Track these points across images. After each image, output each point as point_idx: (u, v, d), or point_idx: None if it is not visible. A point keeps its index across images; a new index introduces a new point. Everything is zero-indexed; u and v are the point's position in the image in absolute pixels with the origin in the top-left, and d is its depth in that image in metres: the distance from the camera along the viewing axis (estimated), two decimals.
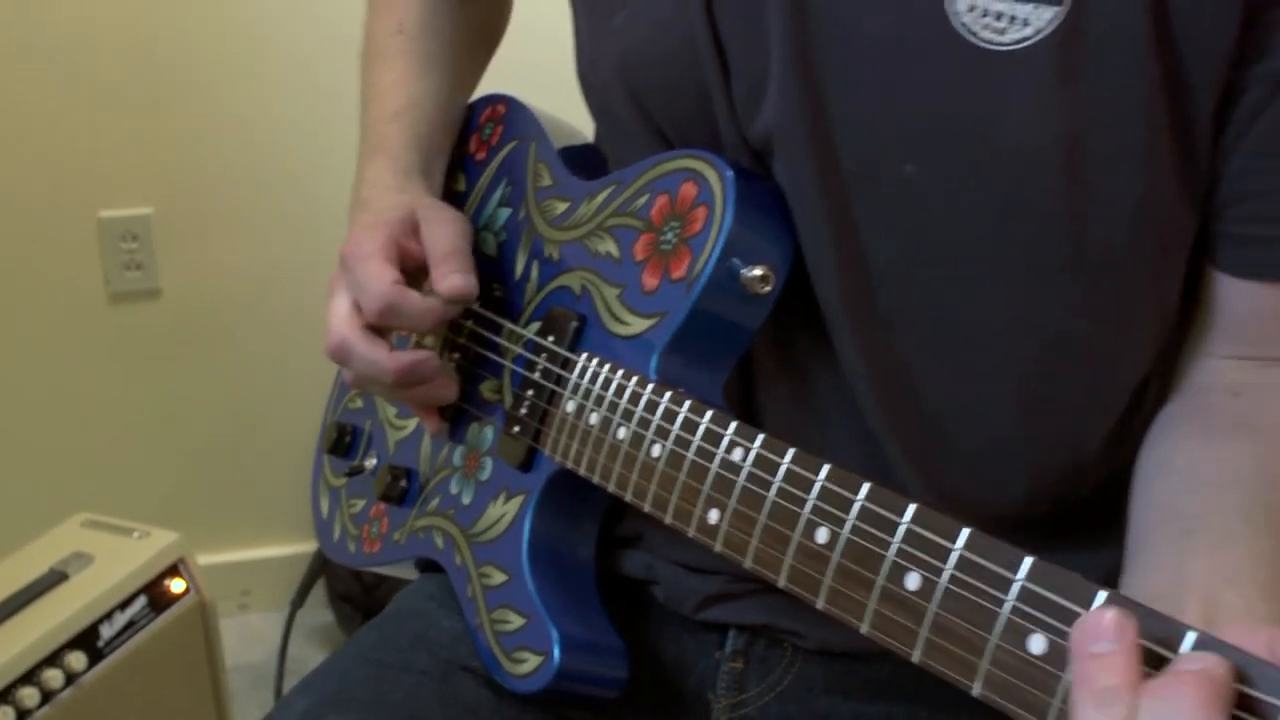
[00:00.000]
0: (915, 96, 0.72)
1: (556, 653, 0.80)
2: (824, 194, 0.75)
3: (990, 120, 0.70)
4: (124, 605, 1.62)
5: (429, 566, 0.96)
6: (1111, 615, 0.48)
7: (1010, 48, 0.68)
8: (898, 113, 0.72)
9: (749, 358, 0.82)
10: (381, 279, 0.86)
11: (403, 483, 0.96)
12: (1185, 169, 0.71)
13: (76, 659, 1.54)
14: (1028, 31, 0.68)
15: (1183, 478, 0.72)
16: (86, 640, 1.56)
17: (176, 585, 1.70)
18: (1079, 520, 0.82)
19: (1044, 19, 0.67)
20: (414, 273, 0.89)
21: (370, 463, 1.00)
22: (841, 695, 0.86)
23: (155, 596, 1.67)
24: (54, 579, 1.60)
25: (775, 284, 0.76)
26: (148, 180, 2.11)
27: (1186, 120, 0.70)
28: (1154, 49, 0.67)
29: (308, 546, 2.17)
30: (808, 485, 0.63)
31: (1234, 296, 0.75)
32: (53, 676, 1.51)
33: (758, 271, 0.76)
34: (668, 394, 0.74)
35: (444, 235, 0.89)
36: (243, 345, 2.19)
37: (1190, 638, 0.47)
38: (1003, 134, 0.70)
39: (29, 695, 1.48)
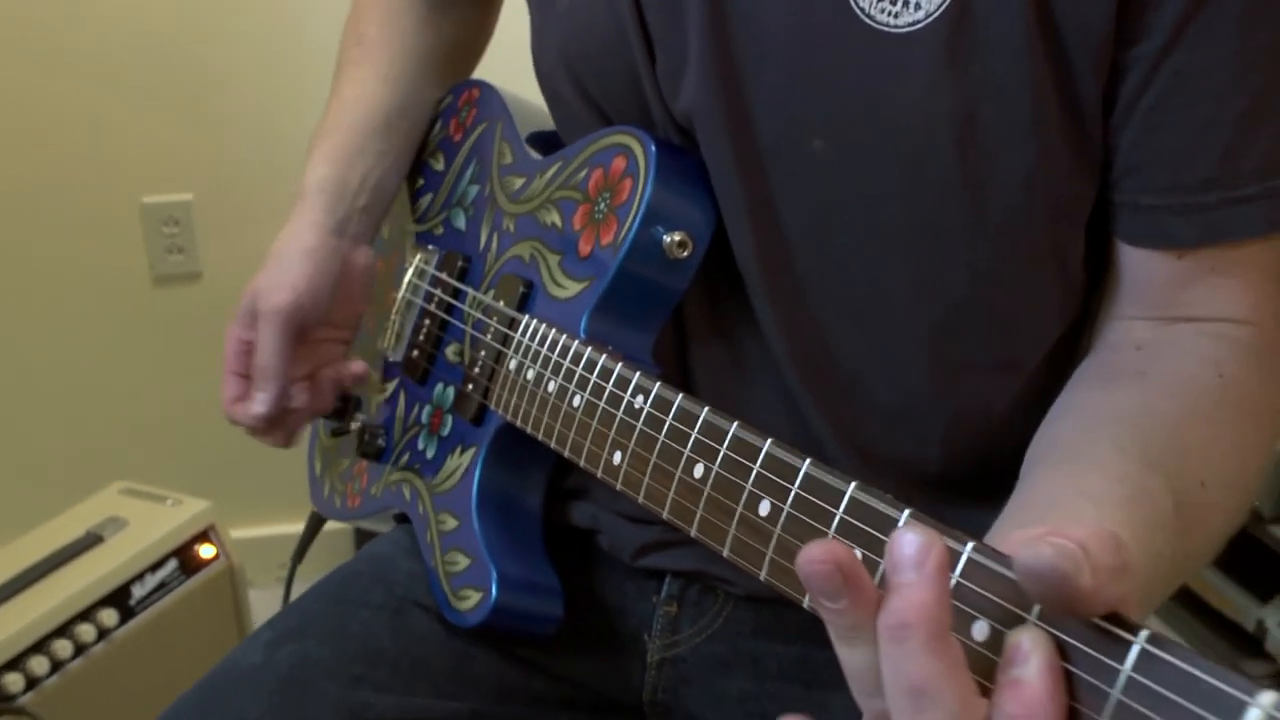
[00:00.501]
0: (820, 76, 0.76)
1: (494, 589, 0.86)
2: (740, 167, 0.80)
3: (888, 98, 0.74)
4: (155, 567, 1.70)
5: (403, 519, 1.03)
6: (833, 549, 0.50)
7: (904, 30, 0.72)
8: (805, 92, 0.77)
9: (681, 320, 0.87)
10: (225, 399, 1.00)
11: (379, 441, 1.03)
12: (1076, 142, 0.75)
13: (109, 615, 1.62)
14: (919, 15, 0.72)
15: (1072, 418, 0.75)
16: (119, 599, 1.65)
17: (206, 551, 1.78)
18: (1003, 482, 0.86)
19: (934, 3, 0.71)
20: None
21: (355, 425, 1.07)
22: (766, 638, 0.91)
23: (185, 560, 1.75)
24: (90, 541, 1.69)
25: (694, 250, 0.82)
26: (189, 168, 2.16)
27: (1074, 97, 0.73)
28: (1037, 29, 0.71)
29: (344, 524, 2.23)
30: (692, 423, 0.69)
31: (1134, 263, 0.79)
32: (86, 631, 1.59)
33: (677, 237, 0.81)
34: (589, 349, 0.80)
35: (261, 341, 0.98)
36: None
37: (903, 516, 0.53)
38: (900, 111, 0.74)
39: (63, 647, 1.56)
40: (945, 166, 0.75)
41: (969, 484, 0.86)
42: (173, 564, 1.73)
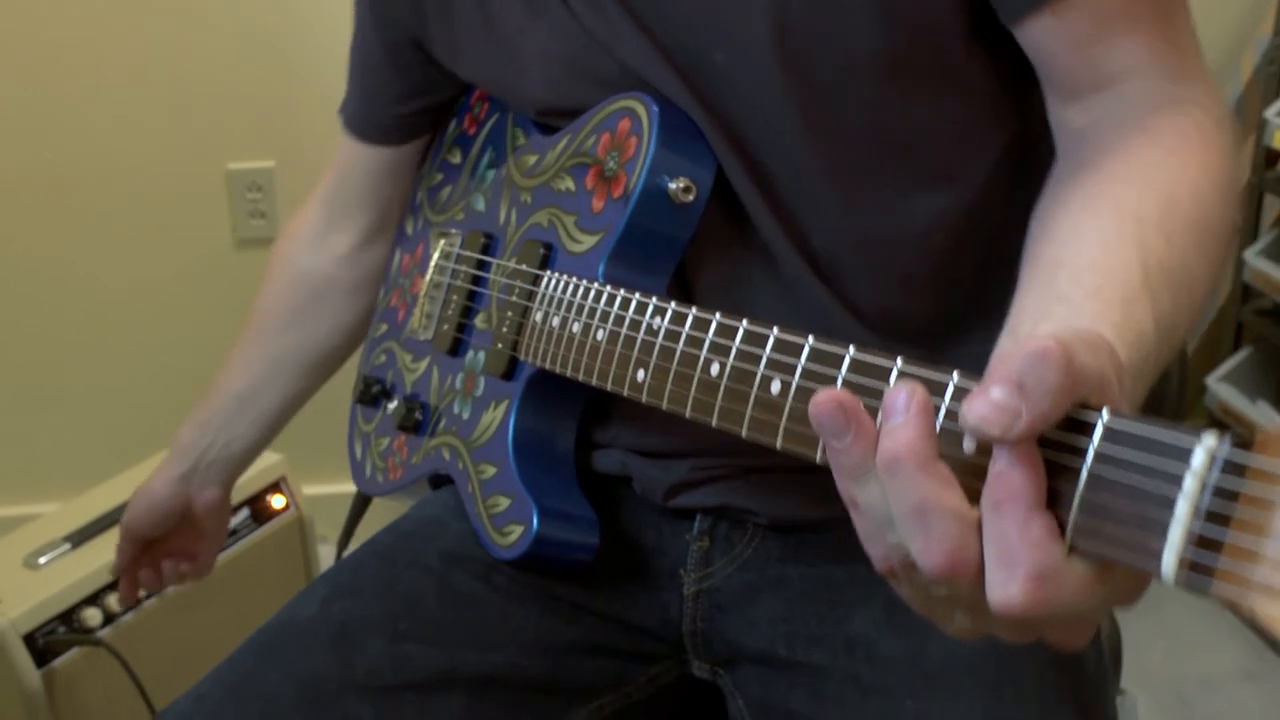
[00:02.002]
0: None
1: (535, 520, 0.92)
2: (697, 101, 0.88)
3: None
4: None
5: (440, 483, 1.10)
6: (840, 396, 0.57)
7: None
8: (686, 9, 0.86)
9: (682, 263, 0.93)
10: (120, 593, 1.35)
11: (417, 414, 1.10)
12: None
13: None
14: None
15: (1036, 231, 0.78)
16: None
17: (277, 501, 1.86)
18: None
19: None
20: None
21: (392, 405, 1.14)
22: (792, 562, 0.96)
23: (258, 510, 1.83)
24: None
25: (698, 195, 0.89)
26: (271, 136, 2.23)
27: None
28: None
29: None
30: (706, 328, 0.76)
31: (1031, 43, 0.82)
32: None
33: (682, 184, 0.88)
34: (607, 288, 0.87)
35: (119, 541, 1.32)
36: None
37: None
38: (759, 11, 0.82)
39: None
40: (800, 30, 0.82)
41: (972, 317, 0.91)
42: (245, 512, 1.82)
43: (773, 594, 0.96)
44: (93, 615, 1.60)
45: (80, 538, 1.68)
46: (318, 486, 2.13)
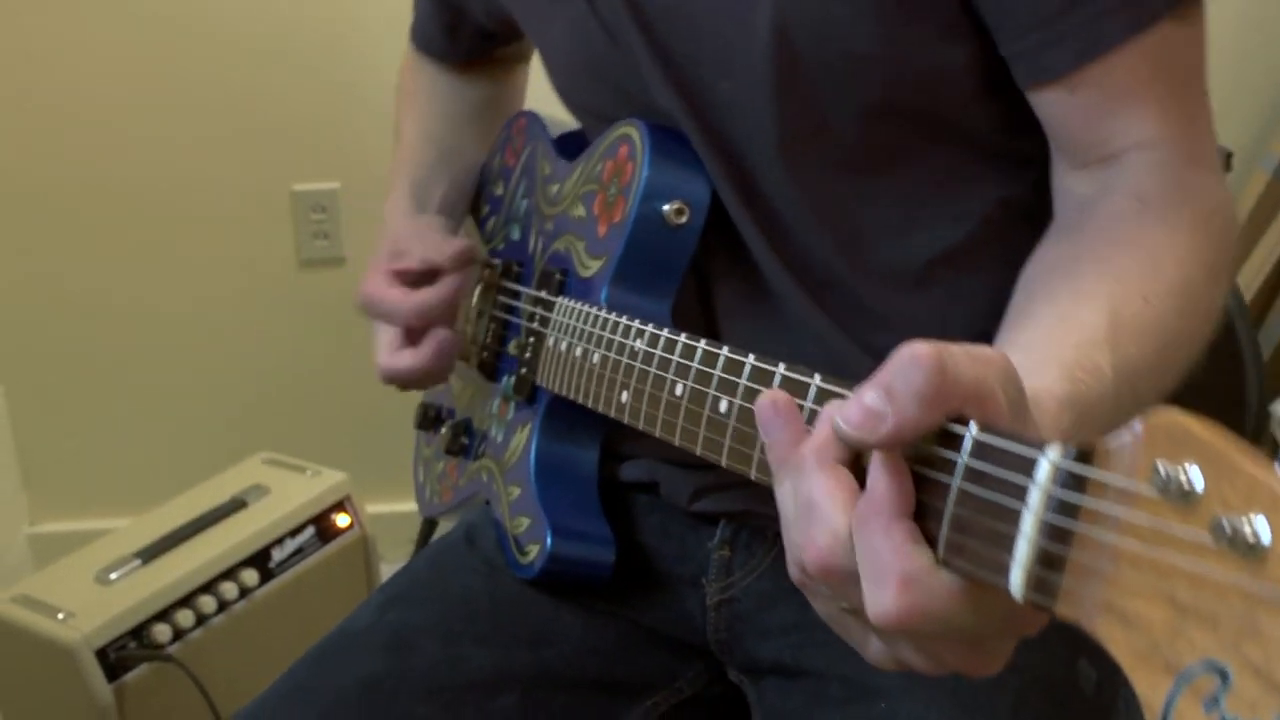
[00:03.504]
0: (702, 22, 0.86)
1: (549, 540, 0.96)
2: (698, 127, 0.89)
3: (728, 24, 0.84)
4: (294, 533, 1.80)
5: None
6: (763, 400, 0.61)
7: None
8: (699, 38, 0.87)
9: (710, 299, 0.96)
10: (401, 298, 1.06)
11: (463, 438, 1.14)
12: (924, 18, 0.81)
13: (250, 576, 1.72)
14: None
15: (1020, 286, 0.80)
16: (259, 560, 1.75)
17: (342, 520, 1.88)
18: None
19: None
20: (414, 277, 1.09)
21: (443, 431, 1.17)
22: None
23: (323, 528, 1.85)
24: (234, 506, 1.80)
25: (692, 217, 0.91)
26: (335, 158, 2.26)
27: None
28: None
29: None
30: (672, 349, 0.80)
31: (1043, 109, 0.83)
32: (229, 589, 1.70)
33: (675, 206, 0.91)
34: (609, 315, 0.89)
35: (431, 243, 1.08)
36: None
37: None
38: (759, 36, 0.83)
39: (207, 603, 1.67)
40: (815, 71, 0.83)
41: None
42: (310, 530, 1.83)
43: (787, 603, 0.97)
44: (163, 631, 1.62)
45: (150, 554, 1.70)
46: (381, 505, 2.15)
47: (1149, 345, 0.71)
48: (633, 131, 0.94)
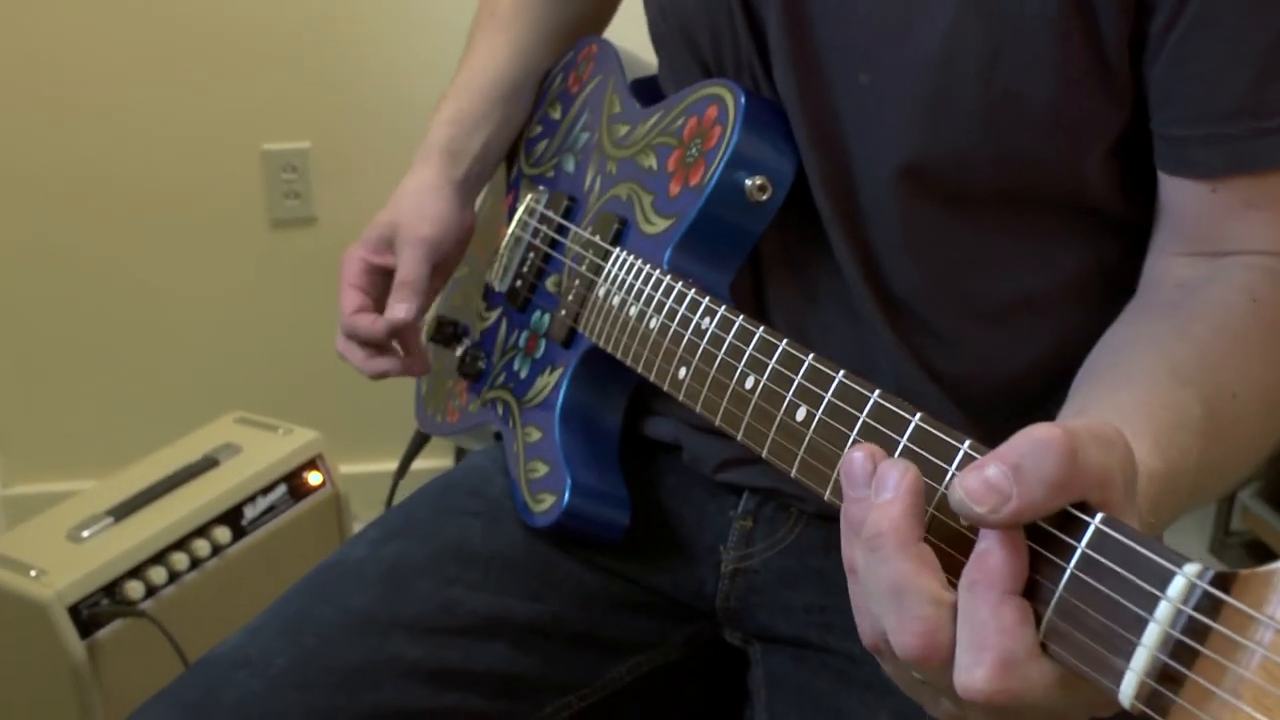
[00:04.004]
0: (866, 12, 0.82)
1: (567, 493, 0.94)
2: (805, 101, 0.86)
3: (919, 33, 0.80)
4: (266, 491, 1.81)
5: (500, 437, 1.11)
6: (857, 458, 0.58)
7: None
8: (853, 27, 0.83)
9: (757, 260, 0.93)
10: (346, 307, 1.06)
11: (480, 363, 1.11)
12: (1100, 78, 0.79)
13: (222, 533, 1.73)
14: None
15: (1109, 348, 0.79)
16: (232, 518, 1.75)
17: (314, 478, 1.88)
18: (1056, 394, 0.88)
19: None
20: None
21: (460, 349, 1.15)
22: (835, 554, 0.97)
23: (294, 486, 1.85)
24: (207, 464, 1.80)
25: (774, 194, 0.88)
26: (306, 117, 2.25)
27: (1098, 35, 0.77)
28: None
29: (447, 461, 2.31)
30: (748, 339, 0.76)
31: (1175, 195, 0.81)
32: (201, 546, 1.70)
33: (758, 181, 0.88)
34: (668, 278, 0.87)
35: (404, 261, 1.06)
36: None
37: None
38: (928, 46, 0.80)
39: (180, 560, 1.68)
40: (969, 98, 0.80)
41: (1031, 401, 0.90)
42: (282, 489, 1.83)
43: (812, 583, 0.97)
44: (135, 588, 1.63)
45: (122, 511, 1.70)
46: (353, 466, 2.16)
47: (1229, 443, 0.71)
48: (725, 94, 0.91)
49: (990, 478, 0.52)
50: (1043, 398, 0.89)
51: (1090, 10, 0.77)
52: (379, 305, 1.08)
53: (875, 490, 0.56)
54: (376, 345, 1.07)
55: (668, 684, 1.03)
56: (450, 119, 1.13)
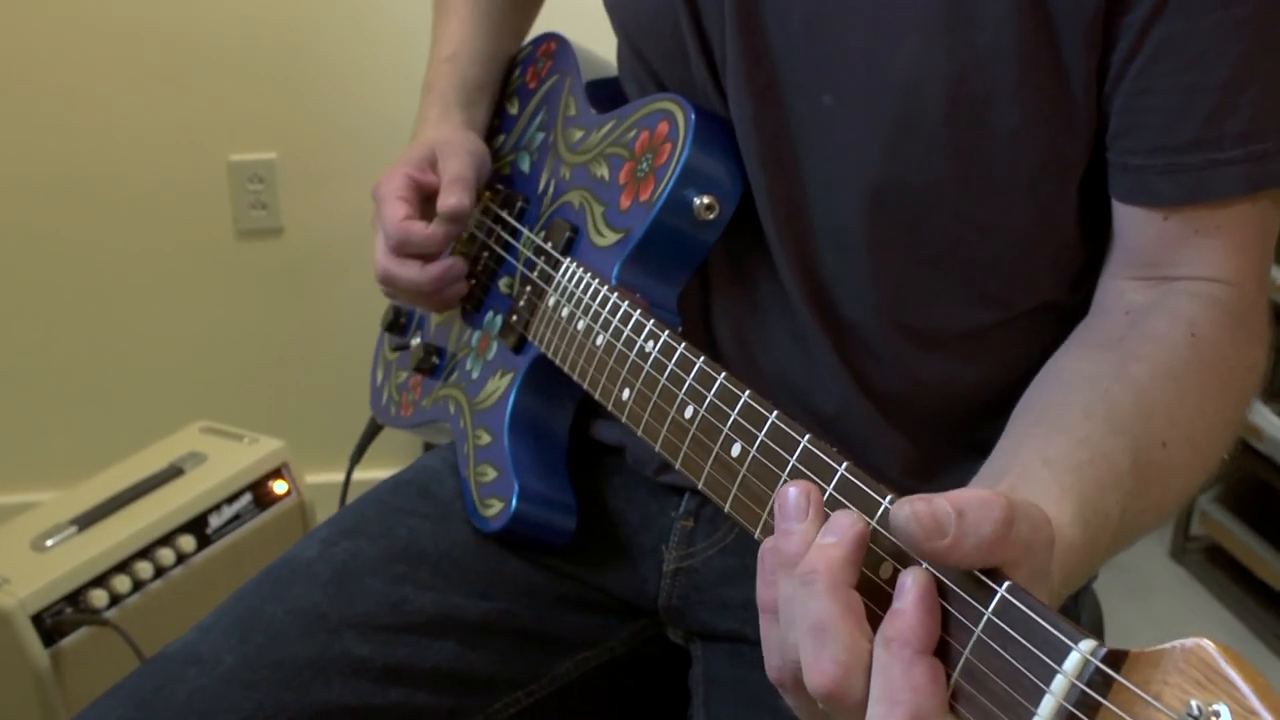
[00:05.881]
0: (832, 34, 0.83)
1: (514, 500, 0.96)
2: (759, 120, 0.87)
3: (886, 58, 0.81)
4: (231, 500, 1.81)
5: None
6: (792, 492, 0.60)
7: None
8: (817, 48, 0.84)
9: (705, 271, 0.94)
10: (394, 217, 1.03)
11: (434, 359, 1.12)
12: (1063, 107, 0.80)
13: (187, 542, 1.73)
14: None
15: (1052, 381, 0.80)
16: (196, 527, 1.76)
17: (279, 486, 1.88)
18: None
19: None
20: (434, 199, 1.05)
21: (414, 341, 1.16)
22: None
23: (260, 495, 1.85)
24: (171, 473, 1.80)
25: (721, 213, 0.90)
26: (273, 129, 2.26)
27: (1061, 65, 0.79)
28: (1028, 6, 0.77)
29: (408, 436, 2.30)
30: (688, 369, 0.77)
31: (1126, 222, 0.83)
32: (165, 554, 1.71)
33: (706, 200, 0.89)
34: (616, 295, 0.88)
35: (452, 165, 1.05)
36: (355, 281, 2.28)
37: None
38: (895, 72, 0.81)
39: (144, 568, 1.68)
40: (935, 124, 0.81)
41: (972, 430, 0.92)
42: (247, 497, 1.84)
43: (751, 581, 0.98)
44: (99, 596, 1.63)
45: (86, 520, 1.70)
46: (318, 475, 2.15)
47: (1155, 492, 0.72)
48: (676, 110, 0.91)
49: (937, 511, 0.54)
50: (980, 419, 0.91)
51: (1053, 40, 0.78)
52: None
53: (823, 532, 0.58)
54: (423, 256, 1.05)
55: (614, 680, 1.05)
56: (455, 85, 1.13)
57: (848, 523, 0.58)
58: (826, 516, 0.60)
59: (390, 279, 1.06)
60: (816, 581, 0.57)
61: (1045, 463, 0.69)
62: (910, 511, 0.54)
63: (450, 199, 1.03)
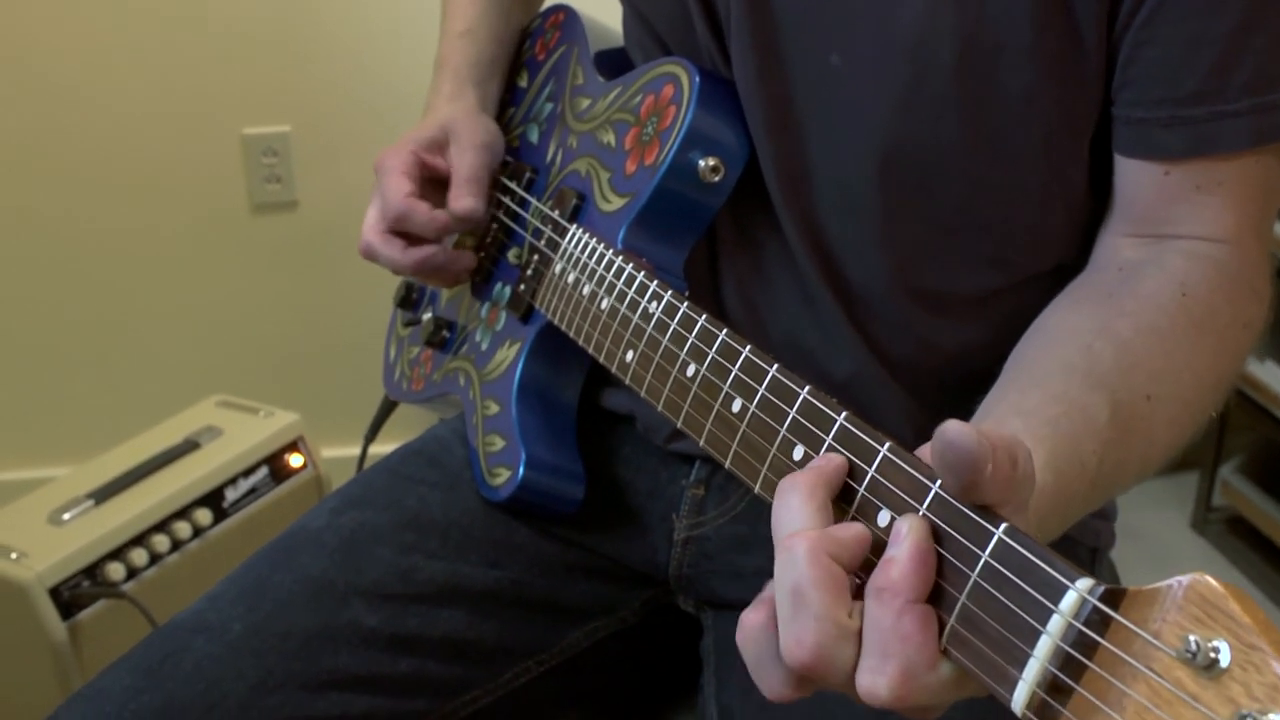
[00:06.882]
0: None
1: (521, 468, 0.96)
2: (763, 80, 0.86)
3: (895, 15, 0.80)
4: (247, 473, 1.82)
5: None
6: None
7: None
8: (824, 6, 0.83)
9: (711, 234, 0.94)
10: (398, 191, 1.00)
11: (444, 332, 1.12)
12: (1075, 62, 0.79)
13: (203, 515, 1.74)
14: None
15: (1037, 336, 0.80)
16: (213, 500, 1.77)
17: (295, 460, 1.89)
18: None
19: None
20: (436, 183, 1.04)
21: (425, 315, 1.16)
22: None
23: (276, 468, 1.86)
24: (188, 447, 1.81)
25: (726, 175, 0.89)
26: (287, 101, 2.25)
27: (1073, 19, 0.78)
28: None
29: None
30: (690, 327, 0.77)
31: (1127, 176, 0.82)
32: (182, 528, 1.72)
33: (711, 162, 0.89)
34: (620, 259, 0.87)
35: (468, 160, 1.03)
36: None
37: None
38: (905, 28, 0.80)
39: (160, 542, 1.69)
40: (946, 83, 0.80)
41: (983, 393, 0.92)
42: (263, 471, 1.85)
43: (763, 548, 0.97)
44: (116, 569, 1.64)
45: (103, 494, 1.71)
46: (334, 448, 2.16)
47: (1137, 444, 0.72)
48: (680, 73, 0.91)
49: (984, 439, 0.53)
50: (986, 378, 0.90)
51: None
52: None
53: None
54: (418, 239, 1.03)
55: (625, 649, 1.05)
56: (467, 63, 1.12)
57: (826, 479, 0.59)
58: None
59: (371, 253, 1.04)
60: (794, 545, 0.57)
61: (1019, 414, 0.69)
62: (958, 429, 0.53)
63: (465, 201, 1.02)
